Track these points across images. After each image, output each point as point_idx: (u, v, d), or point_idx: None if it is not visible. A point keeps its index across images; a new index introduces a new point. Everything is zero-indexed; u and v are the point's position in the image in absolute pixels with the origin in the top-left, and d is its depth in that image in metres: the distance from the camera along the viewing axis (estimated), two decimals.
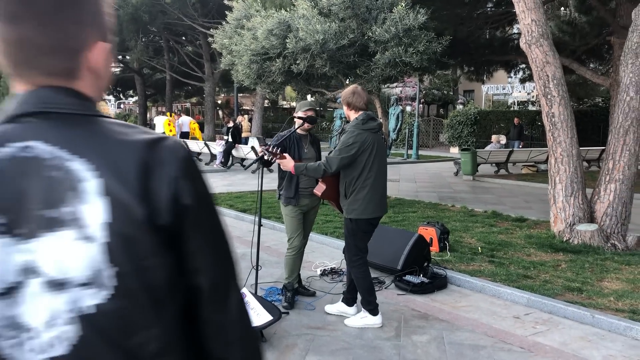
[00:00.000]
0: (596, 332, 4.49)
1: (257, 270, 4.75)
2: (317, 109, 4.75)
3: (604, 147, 17.90)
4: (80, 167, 0.86)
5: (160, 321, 0.91)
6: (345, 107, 4.64)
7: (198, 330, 0.97)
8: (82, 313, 0.85)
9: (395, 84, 25.73)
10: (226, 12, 10.46)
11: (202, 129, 39.92)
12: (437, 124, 29.64)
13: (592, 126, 22.82)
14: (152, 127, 23.75)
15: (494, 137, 19.02)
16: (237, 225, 8.52)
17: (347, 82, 9.77)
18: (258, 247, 4.77)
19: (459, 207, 10.05)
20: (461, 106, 29.24)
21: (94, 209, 0.85)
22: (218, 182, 13.72)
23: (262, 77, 9.67)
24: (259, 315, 4.30)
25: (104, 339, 0.86)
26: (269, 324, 4.20)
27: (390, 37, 8.67)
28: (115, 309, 0.86)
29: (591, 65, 19.85)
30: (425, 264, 5.84)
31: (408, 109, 27.47)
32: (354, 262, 4.48)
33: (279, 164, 4.65)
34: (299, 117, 4.81)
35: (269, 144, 4.63)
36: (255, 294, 4.53)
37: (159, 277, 0.89)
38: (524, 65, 19.79)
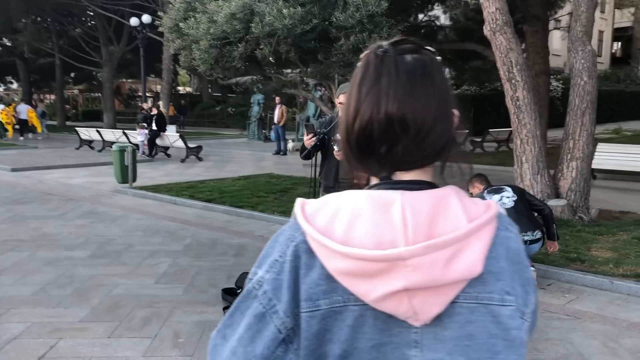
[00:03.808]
0: (618, 296, 4.94)
1: None
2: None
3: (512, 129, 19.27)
4: None
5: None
6: None
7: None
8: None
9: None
10: None
11: (98, 118, 37.76)
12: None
13: (491, 109, 24.45)
14: None
15: None
16: (211, 216, 8.27)
17: (307, 68, 9.74)
18: None
19: None
20: None
21: None
22: (152, 173, 13.13)
23: (220, 62, 9.38)
24: None
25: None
26: None
27: (354, 23, 8.76)
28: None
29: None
30: None
31: (318, 94, 27.74)
32: None
33: (321, 151, 4.64)
34: (341, 103, 4.76)
35: (319, 131, 4.57)
36: None
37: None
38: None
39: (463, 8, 19.42)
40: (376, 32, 9.01)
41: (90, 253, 6.23)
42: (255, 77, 10.96)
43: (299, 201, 0.89)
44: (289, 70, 11.18)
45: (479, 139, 18.36)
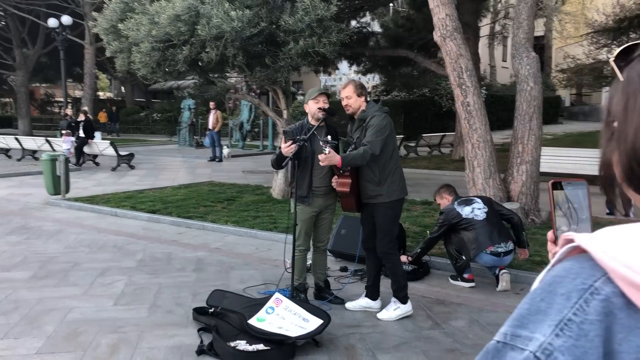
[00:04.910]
0: None
1: (292, 273, 4.43)
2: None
3: (444, 134, 19.73)
4: None
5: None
6: (357, 98, 4.57)
7: None
8: None
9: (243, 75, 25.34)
10: None
11: (9, 124, 35.58)
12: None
13: (420, 114, 24.98)
14: None
15: None
16: (159, 228, 7.80)
17: (252, 72, 9.41)
18: (294, 248, 4.45)
19: None
20: (302, 97, 29.88)
21: None
22: (84, 183, 12.34)
23: (162, 65, 8.90)
24: (308, 322, 4.02)
25: None
26: (322, 329, 3.97)
27: (304, 27, 8.57)
28: None
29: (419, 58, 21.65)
30: (402, 251, 5.96)
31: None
32: (391, 249, 4.45)
33: (294, 162, 4.42)
34: (323, 110, 4.53)
35: (299, 138, 4.33)
36: (292, 298, 4.24)
37: None
38: (365, 58, 20.96)
39: (393, 15, 19.70)
40: (325, 37, 8.87)
41: (32, 274, 5.66)
42: (197, 80, 10.51)
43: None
44: (234, 74, 10.83)
45: (412, 144, 18.64)
